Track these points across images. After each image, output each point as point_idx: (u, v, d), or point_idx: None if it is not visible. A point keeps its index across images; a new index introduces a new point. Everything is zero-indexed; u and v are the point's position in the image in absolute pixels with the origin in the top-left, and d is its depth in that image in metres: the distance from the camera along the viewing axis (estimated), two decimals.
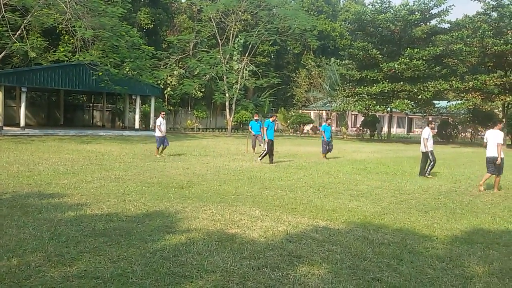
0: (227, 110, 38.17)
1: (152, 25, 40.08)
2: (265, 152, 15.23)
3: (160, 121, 16.35)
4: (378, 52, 35.95)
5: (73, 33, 25.51)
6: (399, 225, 6.84)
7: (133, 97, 34.02)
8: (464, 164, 17.96)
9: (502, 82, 32.10)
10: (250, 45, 37.52)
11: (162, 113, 17.47)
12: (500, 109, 37.73)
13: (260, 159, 15.21)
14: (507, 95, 32.47)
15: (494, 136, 11.15)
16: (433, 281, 4.50)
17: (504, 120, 35.78)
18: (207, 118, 43.74)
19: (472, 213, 8.00)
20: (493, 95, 33.60)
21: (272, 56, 52.80)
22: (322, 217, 7.18)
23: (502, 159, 10.98)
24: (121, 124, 38.75)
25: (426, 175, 13.04)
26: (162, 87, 36.96)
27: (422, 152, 13.42)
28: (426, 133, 13.43)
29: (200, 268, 4.59)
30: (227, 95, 37.28)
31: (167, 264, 4.68)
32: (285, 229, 6.26)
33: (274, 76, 42.16)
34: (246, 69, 38.32)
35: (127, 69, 28.34)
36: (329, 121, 20.27)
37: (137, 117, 33.09)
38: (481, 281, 4.56)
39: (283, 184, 10.63)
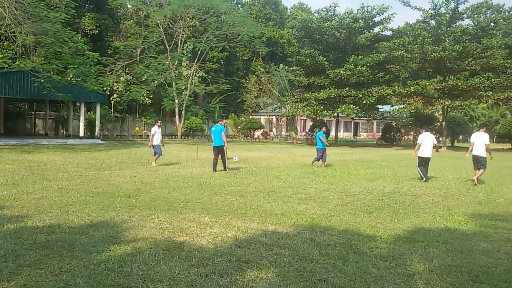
0: (177, 116, 37.75)
1: (97, 31, 39.00)
2: (223, 158, 14.50)
3: (155, 130, 16.27)
4: (325, 59, 36.83)
5: (13, 39, 24.35)
6: (345, 226, 7.03)
7: (78, 104, 32.93)
8: (406, 166, 18.67)
9: (441, 87, 33.85)
10: (199, 51, 37.36)
11: (158, 122, 17.10)
12: (440, 112, 39.69)
13: (227, 169, 14.43)
14: (446, 99, 34.25)
15: (481, 138, 12.98)
16: (376, 280, 4.65)
17: (444, 123, 37.73)
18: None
19: (414, 212, 8.34)
20: (433, 99, 35.34)
21: (222, 62, 52.85)
22: (271, 221, 7.24)
23: (484, 157, 12.85)
24: (65, 132, 37.35)
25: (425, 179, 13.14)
26: (108, 93, 35.99)
27: (427, 158, 13.51)
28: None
29: (146, 278, 4.51)
30: (176, 101, 36.88)
31: (111, 275, 4.55)
32: (234, 235, 6.26)
33: (224, 82, 42.16)
34: (195, 75, 38.13)
35: (70, 76, 27.33)
36: (324, 128, 18.97)
37: (81, 125, 32.01)
38: (422, 278, 4.75)
39: (233, 189, 10.64)
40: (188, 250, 5.49)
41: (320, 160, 16.96)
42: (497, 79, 33.08)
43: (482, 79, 32.37)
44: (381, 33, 38.71)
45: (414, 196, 10.38)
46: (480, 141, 12.92)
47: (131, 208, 7.92)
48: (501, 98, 34.37)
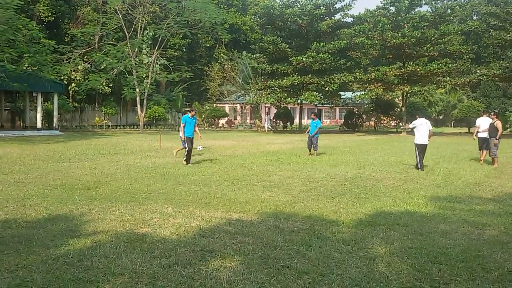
0: (138, 105, 37.01)
1: (53, 18, 37.50)
2: (186, 152, 13.49)
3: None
4: (287, 46, 36.93)
5: None
6: (309, 212, 7.08)
7: (34, 95, 31.64)
8: (368, 151, 19.08)
9: (401, 73, 34.61)
10: (160, 38, 36.60)
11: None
12: (400, 98, 40.65)
13: (187, 163, 13.26)
14: (405, 85, 35.08)
15: (486, 122, 14.61)
16: (339, 264, 4.70)
17: (404, 108, 38.67)
18: (116, 114, 41.97)
19: (375, 197, 8.51)
20: (393, 85, 36.12)
21: (184, 50, 52.01)
22: (235, 209, 7.21)
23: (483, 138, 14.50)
24: (21, 123, 35.91)
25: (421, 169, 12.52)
26: (66, 83, 34.78)
27: (424, 145, 12.84)
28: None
29: (107, 271, 4.39)
30: (137, 90, 36.10)
31: (71, 270, 4.41)
32: (198, 225, 6.20)
33: (187, 70, 41.55)
34: (156, 63, 37.35)
35: (26, 65, 26.22)
36: (313, 116, 18.46)
37: (39, 115, 30.87)
38: (383, 261, 4.84)
39: (197, 179, 10.54)
40: (150, 241, 5.39)
41: (312, 148, 16.74)
42: (454, 65, 34.15)
43: (440, 64, 33.31)
44: (342, 20, 39.12)
45: (375, 180, 10.59)
46: (485, 125, 14.54)
47: (91, 201, 7.71)
48: (458, 83, 35.55)
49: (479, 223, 6.42)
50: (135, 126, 40.26)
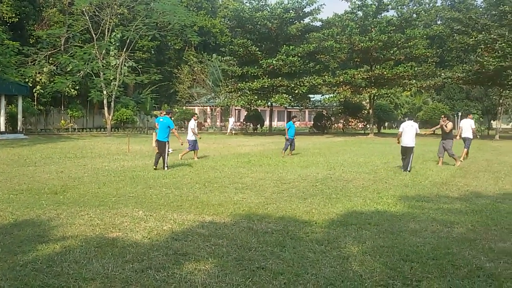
0: (106, 108, 36.29)
1: (17, 19, 36.35)
2: (163, 155, 12.84)
3: (194, 124, 15.87)
4: (257, 48, 37.04)
5: None
6: (282, 213, 7.10)
7: None
8: (337, 152, 19.33)
9: (368, 76, 35.28)
10: (128, 40, 36.05)
11: (195, 115, 17.07)
12: (368, 100, 41.40)
13: (166, 167, 12.68)
14: (372, 87, 35.76)
15: (468, 123, 16.43)
16: (313, 264, 4.73)
17: (371, 110, 39.40)
18: (83, 117, 40.96)
19: (346, 197, 8.61)
20: (361, 88, 36.76)
21: (153, 52, 51.44)
22: (208, 212, 7.15)
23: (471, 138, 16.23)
24: None
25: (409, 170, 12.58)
26: (31, 85, 33.73)
27: (408, 147, 12.83)
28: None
29: (78, 277, 4.27)
30: (105, 92, 35.41)
31: (40, 276, 4.27)
32: (170, 228, 6.11)
33: (155, 72, 41.05)
34: (124, 65, 36.71)
35: None
36: (294, 119, 19.77)
37: (2, 119, 29.83)
38: (356, 259, 4.90)
39: (168, 181, 10.41)
40: (121, 246, 5.28)
41: (288, 149, 17.49)
42: (420, 68, 35.06)
43: (406, 68, 34.13)
44: (311, 23, 39.58)
45: (346, 181, 10.73)
46: (467, 125, 16.35)
47: (59, 205, 7.49)
48: (423, 86, 36.47)
49: (447, 222, 6.59)
50: (102, 129, 39.44)
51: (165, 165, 12.76)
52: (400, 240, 5.63)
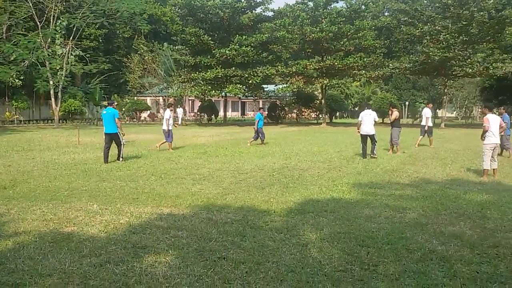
0: (53, 99, 34.84)
1: None
2: (119, 146, 12.46)
3: (170, 115, 15.66)
4: (210, 38, 36.69)
5: None
6: (240, 203, 7.13)
7: None
8: (292, 142, 19.59)
9: (320, 67, 35.82)
10: (75, 28, 34.65)
11: (171, 106, 16.87)
12: (320, 90, 42.10)
13: (121, 159, 12.36)
14: (324, 78, 36.36)
15: (428, 112, 17.75)
16: (274, 252, 4.79)
17: (323, 100, 40.12)
18: (29, 108, 39.21)
19: (303, 185, 8.76)
20: (313, 78, 37.28)
21: (101, 40, 49.73)
22: (166, 204, 7.07)
23: (431, 126, 17.51)
24: None
25: (372, 155, 13.23)
26: None
27: (369, 135, 13.33)
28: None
29: (34, 273, 4.12)
30: (51, 82, 33.94)
31: None
32: (127, 221, 5.99)
33: (104, 62, 39.83)
34: (71, 54, 35.31)
35: None
36: (261, 110, 20.07)
37: None
38: (315, 246, 5.01)
39: (122, 174, 10.18)
40: (77, 240, 5.13)
41: (259, 139, 18.08)
42: (369, 59, 35.97)
43: (356, 58, 34.94)
44: (263, 13, 39.54)
45: (301, 170, 10.90)
46: (426, 115, 17.60)
47: (9, 200, 7.17)
48: (372, 76, 37.48)
49: (399, 207, 6.86)
50: (50, 121, 37.88)
51: (120, 156, 12.43)
52: (356, 226, 5.81)
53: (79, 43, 37.56)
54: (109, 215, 6.32)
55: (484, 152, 10.02)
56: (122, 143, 12.58)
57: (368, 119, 13.49)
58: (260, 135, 18.05)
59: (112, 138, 12.42)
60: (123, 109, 43.05)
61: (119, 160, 12.34)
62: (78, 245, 4.96)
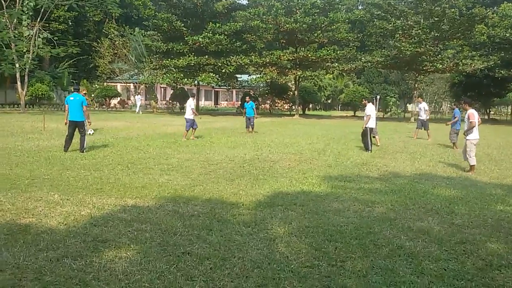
0: (19, 83, 33.68)
1: None
2: (82, 137, 11.72)
3: (194, 103, 15.99)
4: (183, 24, 36.09)
5: None
6: (209, 195, 6.97)
7: None
8: (264, 133, 19.50)
9: (293, 58, 35.79)
10: (43, 10, 33.46)
11: (194, 95, 17.00)
12: (293, 82, 42.12)
13: (84, 151, 11.55)
14: (298, 69, 36.38)
15: (424, 106, 18.72)
16: (240, 246, 4.66)
17: (296, 92, 40.16)
18: None
19: (273, 177, 8.66)
20: (287, 70, 37.25)
21: (70, 23, 48.34)
22: (131, 195, 6.84)
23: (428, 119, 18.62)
24: None
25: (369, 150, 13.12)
26: None
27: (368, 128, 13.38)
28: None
29: None
30: (17, 65, 32.76)
31: None
32: (89, 213, 5.75)
33: (73, 45, 38.62)
34: (39, 36, 34.11)
35: None
36: (247, 98, 20.93)
37: None
38: (283, 241, 4.90)
39: (87, 163, 9.84)
40: (35, 233, 4.88)
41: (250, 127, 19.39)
42: (342, 52, 36.17)
43: (329, 51, 35.07)
44: (237, 2, 39.23)
45: (273, 162, 10.80)
46: (424, 108, 18.54)
47: None
48: (345, 69, 37.76)
49: (368, 201, 6.84)
50: (16, 106, 36.67)
51: (83, 147, 11.61)
52: (325, 220, 5.74)
53: (47, 25, 36.33)
54: (70, 206, 6.06)
55: (470, 147, 10.10)
56: (86, 133, 12.05)
57: (374, 114, 13.88)
58: (251, 123, 19.43)
59: (77, 126, 11.79)
60: (92, 95, 42.03)
61: (82, 151, 11.50)
62: (35, 238, 4.71)
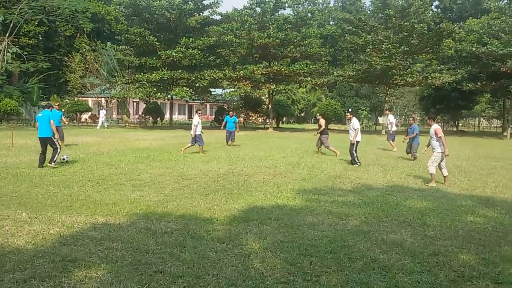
0: None
1: None
2: (54, 151, 11.65)
3: (198, 120, 16.16)
4: (156, 39, 35.91)
5: None
6: (182, 211, 6.87)
7: None
8: (238, 147, 19.47)
9: (267, 72, 36.06)
10: (12, 24, 32.80)
11: (199, 111, 17.05)
12: (267, 96, 42.35)
13: (53, 163, 11.48)
14: (271, 83, 36.63)
15: (392, 119, 20.14)
16: (215, 264, 4.60)
17: (270, 105, 40.38)
18: None
19: (247, 192, 8.62)
20: (260, 83, 37.44)
21: (40, 38, 47.55)
22: (101, 212, 6.68)
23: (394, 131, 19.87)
24: None
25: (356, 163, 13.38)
26: None
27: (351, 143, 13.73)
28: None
29: None
30: None
31: None
32: (58, 231, 5.58)
33: (43, 60, 37.85)
34: (8, 51, 33.38)
35: None
36: (231, 113, 21.61)
37: None
38: (258, 256, 4.86)
39: (57, 179, 9.59)
40: (1, 253, 4.72)
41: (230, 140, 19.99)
42: (314, 66, 36.63)
43: (302, 65, 35.51)
44: (211, 17, 39.24)
45: (247, 176, 10.77)
46: (392, 121, 19.85)
47: None
48: (318, 83, 38.18)
49: (342, 214, 6.87)
50: None
51: (52, 159, 11.47)
52: (299, 234, 5.73)
53: (17, 40, 35.63)
54: (38, 224, 5.88)
55: (436, 160, 10.29)
56: (57, 147, 11.81)
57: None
58: (231, 136, 20.09)
59: (46, 142, 11.63)
60: (63, 110, 41.17)
61: (50, 164, 11.35)
62: (1, 259, 4.55)
